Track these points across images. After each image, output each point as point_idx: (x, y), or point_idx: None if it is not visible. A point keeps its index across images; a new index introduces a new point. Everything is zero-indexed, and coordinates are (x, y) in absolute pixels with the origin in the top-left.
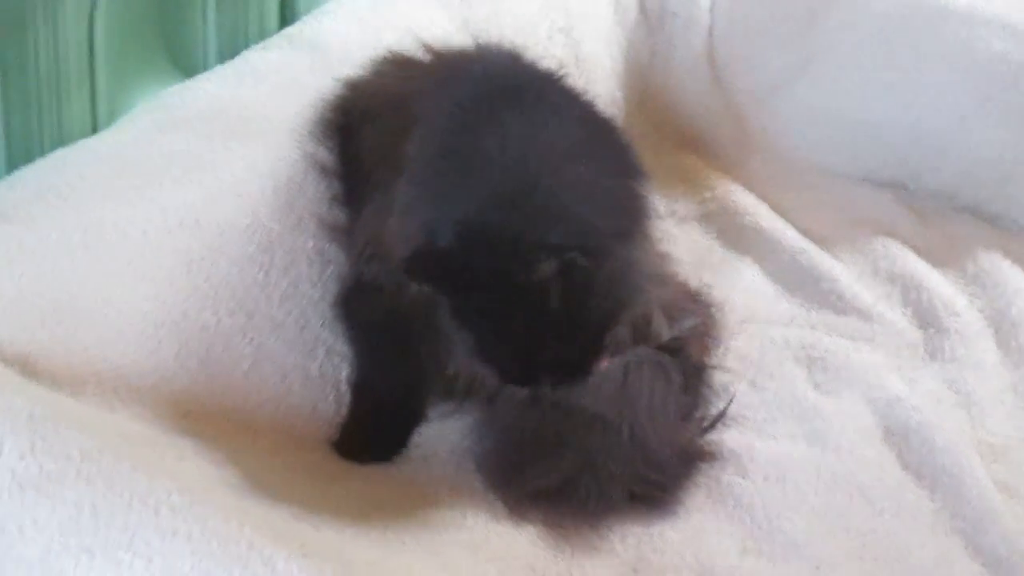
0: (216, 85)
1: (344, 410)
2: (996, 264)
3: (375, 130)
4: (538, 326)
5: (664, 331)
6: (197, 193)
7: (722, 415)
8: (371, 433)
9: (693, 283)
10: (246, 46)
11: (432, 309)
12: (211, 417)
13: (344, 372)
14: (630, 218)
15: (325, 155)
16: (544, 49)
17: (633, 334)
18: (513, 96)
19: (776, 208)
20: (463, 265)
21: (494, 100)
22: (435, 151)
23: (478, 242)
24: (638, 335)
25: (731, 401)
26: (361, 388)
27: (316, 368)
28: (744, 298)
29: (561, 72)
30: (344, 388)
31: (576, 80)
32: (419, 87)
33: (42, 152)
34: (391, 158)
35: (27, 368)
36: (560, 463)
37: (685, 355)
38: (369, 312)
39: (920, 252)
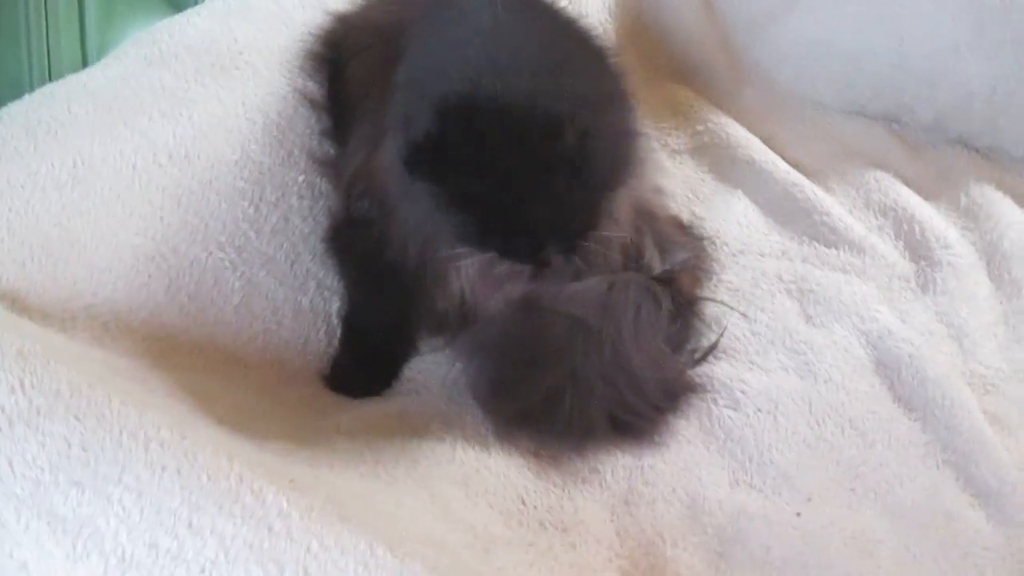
0: (206, 19)
1: (335, 344)
2: (988, 196)
3: (362, 62)
4: (546, 195)
5: (656, 263)
6: (187, 127)
7: (713, 347)
8: (362, 367)
9: (685, 216)
10: None
11: (422, 242)
12: (202, 351)
13: (335, 306)
14: (619, 87)
15: (314, 89)
16: None
17: (624, 265)
18: (507, 14)
19: (768, 141)
20: (470, 151)
21: (484, 15)
22: (420, 63)
23: (482, 124)
24: (630, 266)
25: (722, 333)
26: (352, 322)
27: (307, 302)
28: (736, 231)
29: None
30: (335, 322)
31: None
32: (408, 17)
33: (31, 87)
34: (378, 90)
35: (16, 304)
36: (544, 377)
37: (677, 287)
38: (359, 247)
39: (912, 185)
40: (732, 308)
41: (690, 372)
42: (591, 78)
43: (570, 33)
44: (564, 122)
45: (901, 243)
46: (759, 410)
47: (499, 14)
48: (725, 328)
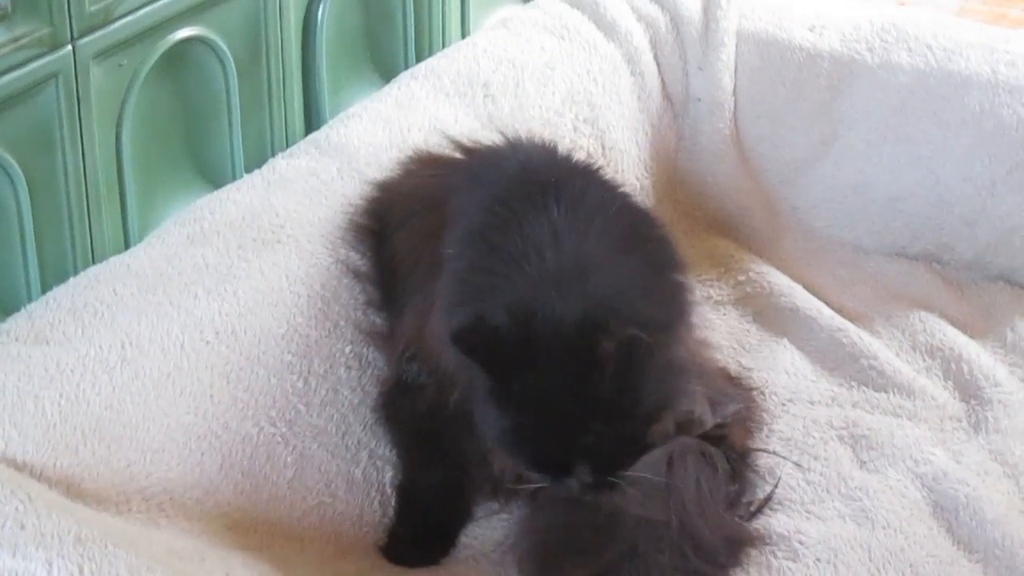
0: (245, 194)
1: (390, 514)
2: None
3: (408, 232)
4: (584, 408)
5: (708, 419)
6: (232, 303)
7: (769, 499)
8: (419, 535)
9: (732, 367)
10: (273, 154)
11: (473, 407)
12: (257, 528)
13: (388, 475)
14: (676, 310)
15: (358, 260)
16: (571, 141)
17: (676, 423)
18: (552, 189)
19: (811, 287)
20: (515, 341)
21: (533, 193)
22: (475, 246)
23: (532, 321)
24: (681, 424)
25: (777, 484)
26: (406, 490)
27: (360, 473)
28: (784, 380)
29: (595, 164)
30: (389, 492)
31: (605, 170)
32: (452, 185)
33: (75, 270)
34: (427, 259)
35: (71, 489)
36: (602, 554)
37: (729, 442)
38: (411, 413)
39: (957, 324)
40: (785, 458)
41: (747, 525)
42: (648, 286)
43: (628, 223)
44: (629, 339)
45: (950, 383)
46: (819, 560)
47: (556, 215)
48: (779, 479)
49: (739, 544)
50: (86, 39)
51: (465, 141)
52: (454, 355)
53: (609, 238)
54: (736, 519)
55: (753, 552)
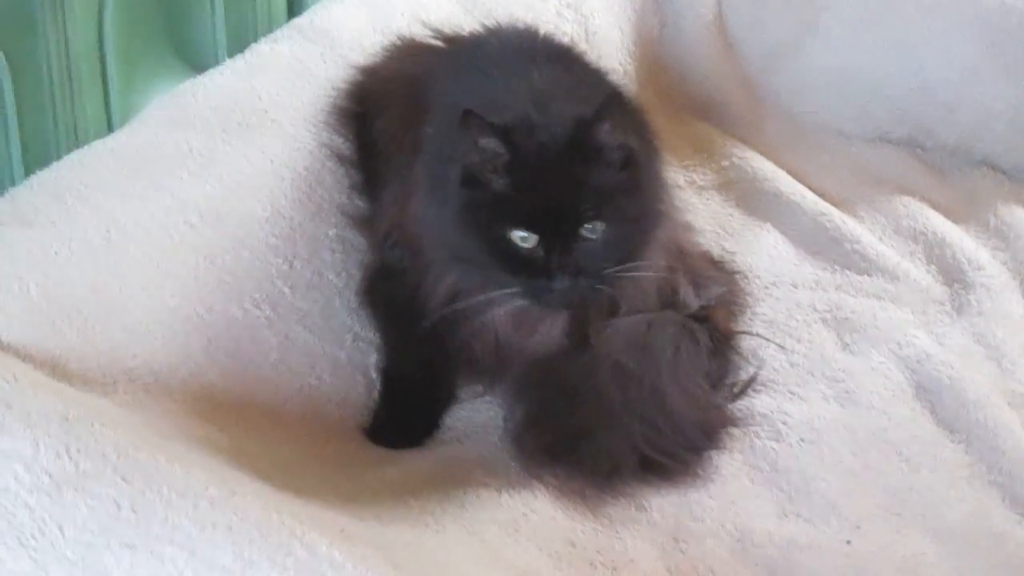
0: (228, 79)
1: (374, 397)
2: (1017, 216)
3: (390, 116)
4: (584, 180)
5: (691, 300)
6: (216, 187)
7: (752, 380)
8: (402, 418)
9: (716, 251)
10: (255, 39)
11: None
12: (243, 410)
13: (372, 358)
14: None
15: (341, 143)
16: (554, 26)
17: (660, 304)
18: (533, 63)
19: (794, 172)
20: (521, 128)
21: (514, 66)
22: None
23: (532, 123)
24: (665, 305)
25: (761, 366)
26: (390, 373)
27: (344, 356)
28: (768, 263)
29: (576, 47)
30: (373, 375)
31: (587, 54)
32: (433, 70)
33: (58, 154)
34: (408, 143)
35: (57, 370)
36: (575, 415)
37: (713, 323)
38: (394, 296)
39: (940, 208)
40: (769, 340)
41: (730, 406)
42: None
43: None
44: (604, 119)
45: (933, 267)
46: (802, 440)
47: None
48: (763, 361)
49: (716, 425)
50: None
51: (447, 30)
52: (464, 135)
53: (590, 101)
54: (718, 399)
55: (736, 432)
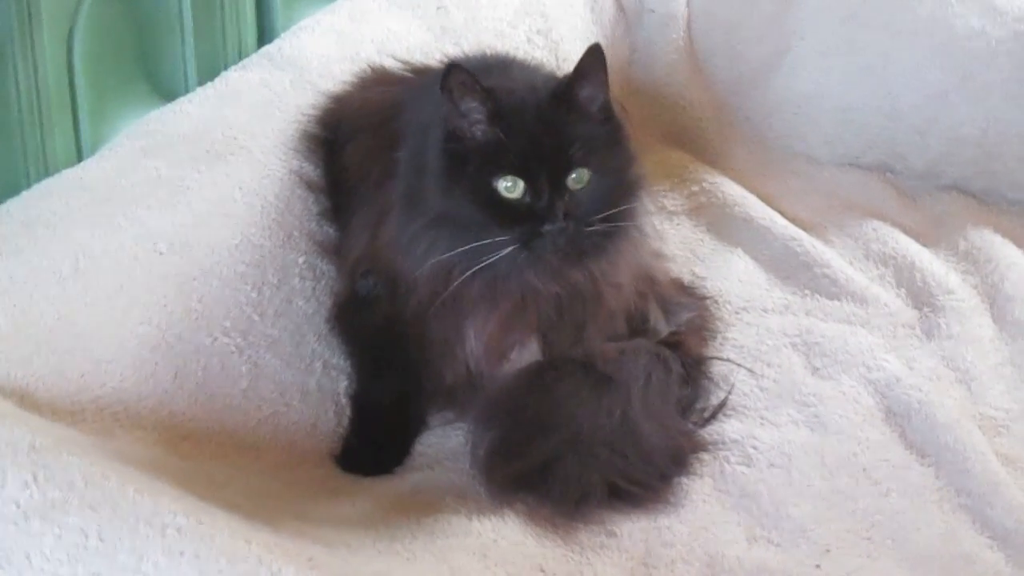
0: (198, 107)
1: (344, 424)
2: (987, 240)
3: (360, 145)
4: (570, 132)
5: (662, 326)
6: (185, 215)
7: (722, 405)
8: (373, 445)
9: (686, 277)
10: (225, 67)
11: (428, 319)
12: (212, 437)
13: (342, 385)
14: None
15: (311, 170)
16: (524, 52)
17: (631, 330)
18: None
19: (764, 197)
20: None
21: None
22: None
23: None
24: (636, 331)
25: (731, 391)
26: (360, 400)
27: (314, 383)
28: (738, 288)
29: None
30: (343, 401)
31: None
32: (403, 101)
33: (28, 183)
34: (376, 172)
35: (25, 399)
36: (544, 443)
37: (684, 349)
38: (365, 325)
39: (910, 232)
40: (739, 365)
41: (700, 431)
42: None
43: None
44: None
45: (903, 291)
46: (772, 465)
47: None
48: (733, 386)
49: (686, 452)
50: None
51: (416, 62)
52: (447, 91)
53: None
54: (688, 425)
55: (706, 457)
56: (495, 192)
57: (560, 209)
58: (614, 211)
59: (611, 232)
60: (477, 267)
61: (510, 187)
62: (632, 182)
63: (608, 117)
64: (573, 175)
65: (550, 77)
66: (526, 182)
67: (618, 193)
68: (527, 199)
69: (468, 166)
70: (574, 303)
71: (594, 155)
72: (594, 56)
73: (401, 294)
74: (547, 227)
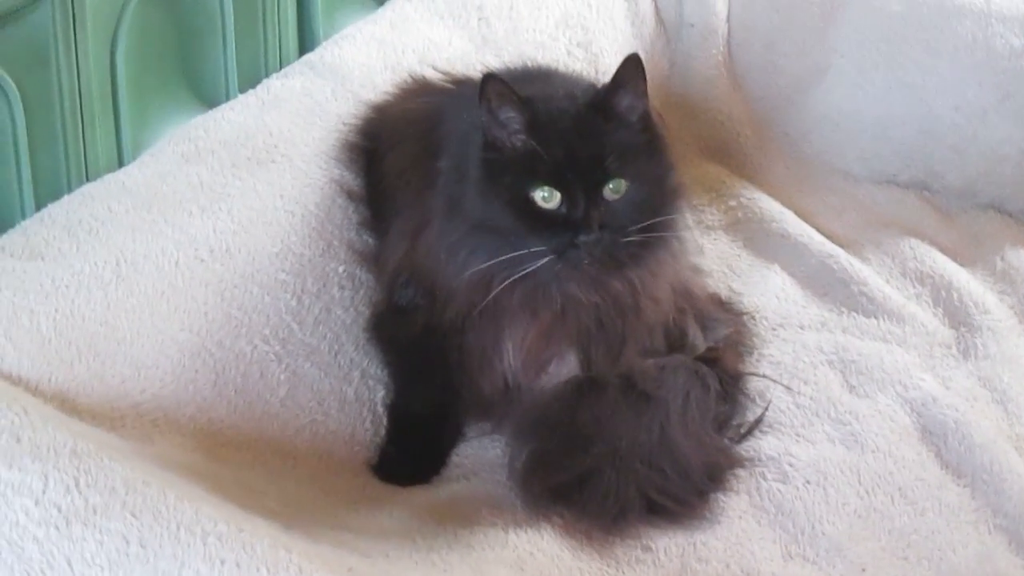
0: (239, 114)
1: (381, 433)
2: (1023, 260)
3: (400, 154)
4: (606, 143)
5: (699, 342)
6: (226, 222)
7: (759, 421)
8: (409, 455)
9: (723, 292)
10: (267, 74)
11: (466, 329)
12: (250, 445)
13: (379, 395)
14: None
15: (351, 179)
16: (564, 64)
17: (669, 345)
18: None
19: (802, 213)
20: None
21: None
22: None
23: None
24: (674, 346)
25: (767, 407)
26: (397, 410)
27: (352, 392)
28: (775, 304)
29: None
30: (380, 411)
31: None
32: (443, 111)
33: (69, 188)
34: (416, 182)
35: (66, 404)
36: (582, 458)
37: (721, 365)
38: (403, 334)
39: (947, 251)
40: (775, 382)
41: (737, 447)
42: None
43: None
44: (622, 84)
45: (940, 310)
46: (808, 482)
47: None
48: (770, 402)
49: (722, 468)
50: None
51: (457, 74)
52: (485, 100)
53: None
54: (724, 441)
55: (742, 474)
56: (531, 202)
57: (596, 220)
58: (652, 221)
59: (649, 242)
60: (515, 277)
61: (546, 197)
62: (670, 192)
63: (647, 127)
64: (610, 185)
65: (589, 87)
66: (562, 192)
67: (656, 203)
68: (563, 209)
69: (505, 175)
70: (613, 316)
71: (631, 165)
72: (632, 65)
73: (440, 303)
74: (582, 238)
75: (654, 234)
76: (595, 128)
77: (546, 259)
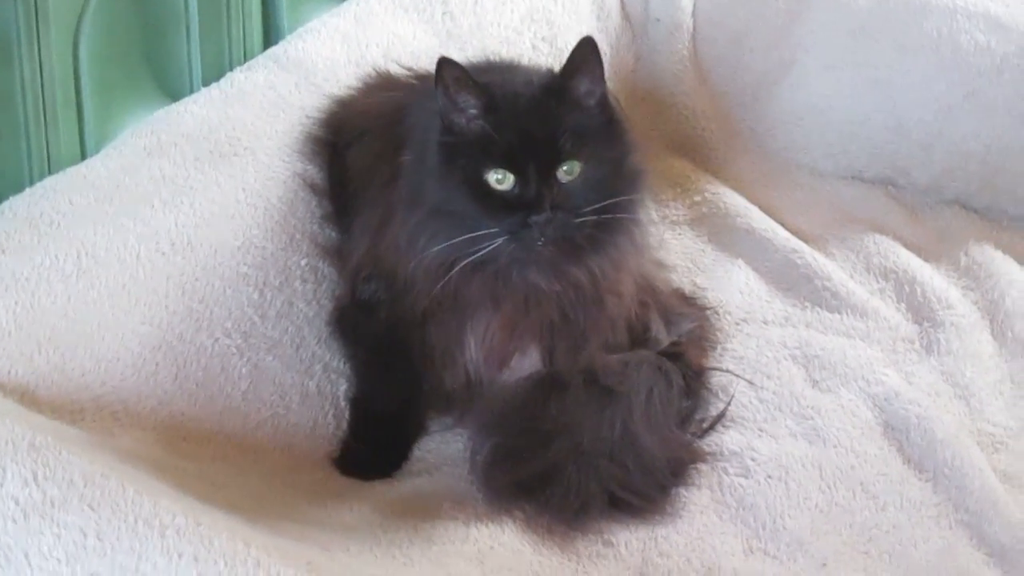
0: (203, 107)
1: (344, 427)
2: (988, 255)
3: (363, 149)
4: (561, 121)
5: (663, 336)
6: (188, 215)
7: (722, 416)
8: (371, 448)
9: (687, 287)
10: (231, 68)
11: (428, 323)
12: (211, 438)
13: (342, 388)
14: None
15: (315, 173)
16: (529, 59)
17: (632, 340)
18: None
19: (767, 208)
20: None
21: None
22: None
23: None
24: (637, 341)
25: (730, 402)
26: (359, 403)
27: (314, 385)
28: (739, 299)
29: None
30: (343, 404)
31: None
32: (406, 106)
33: (32, 180)
34: (379, 177)
35: (26, 397)
36: (545, 452)
37: (685, 360)
38: (366, 329)
39: (911, 247)
40: (739, 376)
41: (699, 442)
42: None
43: None
44: (578, 68)
45: (903, 305)
46: (770, 477)
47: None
48: (732, 397)
49: (684, 463)
50: None
51: (420, 69)
52: (441, 84)
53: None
54: (686, 436)
55: (704, 468)
56: (486, 184)
57: (547, 200)
58: (608, 202)
59: (606, 224)
60: (470, 259)
61: (500, 179)
62: (629, 175)
63: (604, 109)
64: (563, 167)
65: (547, 72)
66: (515, 174)
67: (613, 184)
68: (516, 190)
69: (460, 158)
70: (576, 308)
71: (586, 147)
72: (586, 48)
73: (400, 291)
74: (534, 218)
75: (610, 215)
76: (549, 111)
77: (500, 239)
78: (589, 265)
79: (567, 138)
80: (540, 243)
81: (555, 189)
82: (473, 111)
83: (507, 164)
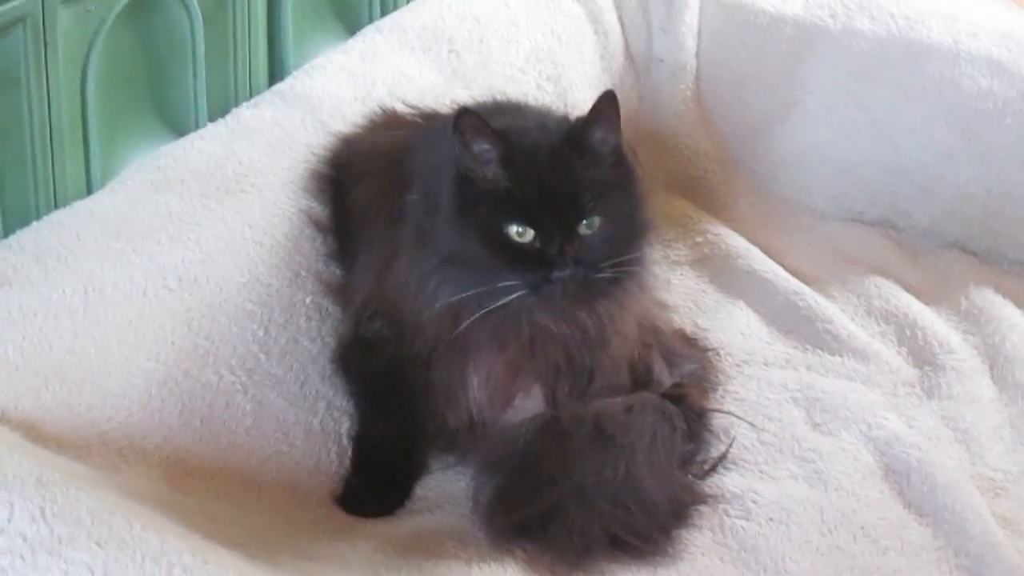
0: (209, 143)
1: (346, 464)
2: (988, 300)
3: (367, 186)
4: (581, 178)
5: (665, 378)
6: (194, 251)
7: (723, 458)
8: (374, 486)
9: (689, 328)
10: (237, 103)
11: (432, 362)
12: (215, 475)
13: (345, 426)
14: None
15: (320, 210)
16: (534, 98)
17: (634, 381)
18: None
19: (768, 250)
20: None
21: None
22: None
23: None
24: (639, 382)
25: (732, 444)
26: (362, 442)
27: (317, 423)
28: (740, 341)
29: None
30: (345, 442)
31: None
32: (411, 145)
33: (38, 215)
34: (383, 215)
35: (32, 432)
36: (547, 494)
37: (686, 401)
38: (369, 366)
39: (912, 290)
40: (740, 418)
41: (701, 484)
42: None
43: None
44: (597, 120)
45: (904, 349)
46: (771, 519)
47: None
48: (734, 439)
49: (686, 505)
50: None
51: (425, 108)
52: (459, 134)
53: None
54: (688, 478)
55: (706, 510)
56: (506, 236)
57: (571, 256)
58: (625, 257)
59: (620, 276)
60: (486, 310)
61: (520, 232)
62: (642, 227)
63: (619, 161)
64: (584, 222)
65: (562, 120)
66: (536, 229)
67: (628, 238)
68: (537, 244)
69: (479, 208)
70: (581, 349)
71: (605, 200)
72: (608, 101)
73: (408, 335)
74: (557, 273)
75: (626, 269)
76: (570, 164)
77: (519, 293)
78: (598, 309)
79: (588, 193)
80: (559, 296)
81: (576, 244)
82: (491, 160)
83: (528, 219)
